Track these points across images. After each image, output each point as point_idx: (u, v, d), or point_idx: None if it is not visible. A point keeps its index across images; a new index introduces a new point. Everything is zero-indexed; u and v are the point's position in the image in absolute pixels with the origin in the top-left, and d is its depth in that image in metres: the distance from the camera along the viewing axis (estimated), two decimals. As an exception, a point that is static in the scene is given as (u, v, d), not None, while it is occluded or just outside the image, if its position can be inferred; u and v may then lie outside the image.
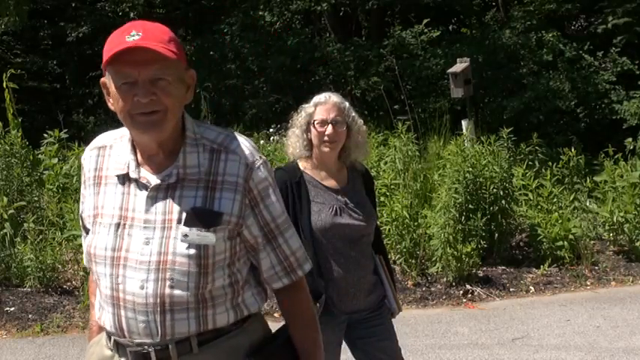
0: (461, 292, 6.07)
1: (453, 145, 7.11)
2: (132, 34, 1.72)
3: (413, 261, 6.28)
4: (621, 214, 6.73)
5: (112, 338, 1.88)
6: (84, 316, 5.58)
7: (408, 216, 6.34)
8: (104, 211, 1.85)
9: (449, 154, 6.96)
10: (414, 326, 5.40)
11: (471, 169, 6.58)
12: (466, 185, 6.49)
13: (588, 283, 6.27)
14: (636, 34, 10.92)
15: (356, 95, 12.07)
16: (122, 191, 1.84)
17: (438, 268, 6.20)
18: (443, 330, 5.37)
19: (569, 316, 5.55)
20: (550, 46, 10.98)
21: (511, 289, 6.16)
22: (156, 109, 1.74)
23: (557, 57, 11.02)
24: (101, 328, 1.94)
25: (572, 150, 7.85)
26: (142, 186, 1.82)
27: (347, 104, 3.05)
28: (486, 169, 6.64)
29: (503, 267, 6.51)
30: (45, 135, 7.78)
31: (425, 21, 12.26)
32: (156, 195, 1.81)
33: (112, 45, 1.73)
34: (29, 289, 6.11)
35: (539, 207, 6.96)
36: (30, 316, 5.76)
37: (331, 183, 3.03)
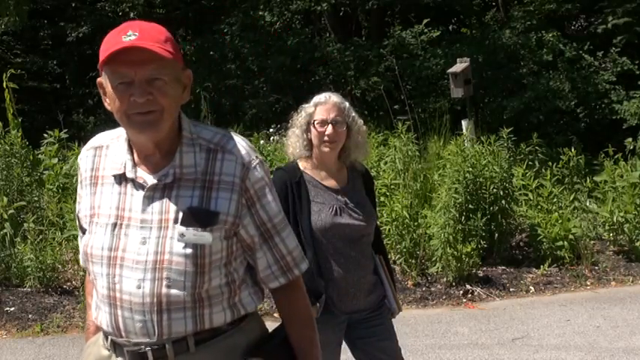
0: (461, 292, 6.07)
1: (453, 145, 7.11)
2: (128, 34, 1.73)
3: (413, 261, 6.28)
4: (621, 214, 6.73)
5: (109, 338, 1.88)
6: (84, 316, 5.58)
7: (408, 216, 6.34)
8: (101, 210, 1.86)
9: (449, 154, 6.96)
10: (414, 326, 5.40)
11: (471, 169, 6.58)
12: (466, 185, 6.49)
13: (588, 283, 6.27)
14: (636, 34, 10.92)
15: (356, 95, 12.07)
16: (119, 191, 1.84)
17: (438, 268, 6.20)
18: (443, 330, 5.37)
19: (569, 316, 5.55)
20: (550, 46, 10.98)
21: (511, 289, 6.16)
22: (152, 109, 1.74)
23: (557, 57, 11.02)
24: (98, 329, 1.95)
25: (572, 150, 7.86)
26: (138, 186, 1.82)
27: (347, 104, 3.05)
28: (486, 169, 6.64)
29: (503, 267, 6.51)
30: (45, 135, 7.78)
31: (425, 21, 12.27)
32: (152, 195, 1.81)
33: (108, 45, 1.74)
34: (29, 289, 6.11)
35: (539, 207, 6.96)
36: (30, 316, 5.76)
37: (331, 183, 3.03)
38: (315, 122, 2.99)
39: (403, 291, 6.04)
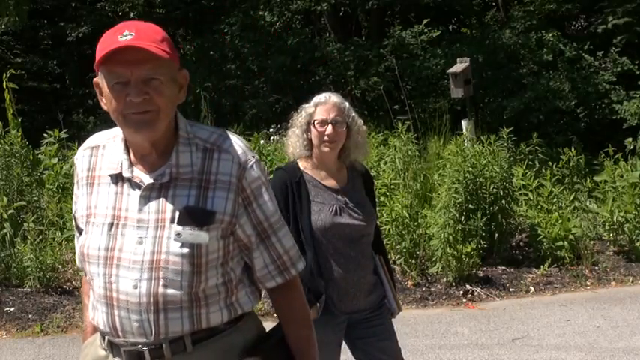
0: (461, 292, 6.07)
1: (453, 145, 7.11)
2: (124, 34, 1.73)
3: (413, 261, 6.28)
4: (621, 214, 6.73)
5: (106, 338, 1.88)
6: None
7: (408, 216, 6.34)
8: (97, 210, 1.86)
9: (449, 154, 6.96)
10: (414, 326, 5.40)
11: (471, 169, 6.58)
12: (466, 185, 6.49)
13: (588, 283, 6.27)
14: (636, 34, 10.92)
15: (356, 95, 12.07)
16: (115, 191, 1.85)
17: (438, 268, 6.20)
18: (443, 330, 5.37)
19: (569, 316, 5.55)
20: (550, 46, 10.98)
21: (511, 289, 6.16)
22: (148, 108, 1.74)
23: (557, 57, 11.02)
24: (95, 329, 1.95)
25: (572, 150, 7.86)
26: (135, 185, 1.83)
27: (347, 104, 3.05)
28: (486, 169, 6.64)
29: (503, 267, 6.51)
30: (45, 135, 7.78)
31: (425, 21, 12.27)
32: (149, 194, 1.81)
33: (104, 45, 1.74)
34: (29, 289, 6.12)
35: (539, 207, 6.96)
36: (30, 316, 5.76)
37: (331, 183, 3.03)
38: (315, 122, 2.99)
39: (403, 291, 6.04)
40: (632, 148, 8.14)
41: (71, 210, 1.99)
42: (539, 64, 11.14)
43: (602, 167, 7.76)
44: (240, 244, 1.88)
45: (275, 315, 2.06)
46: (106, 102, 1.79)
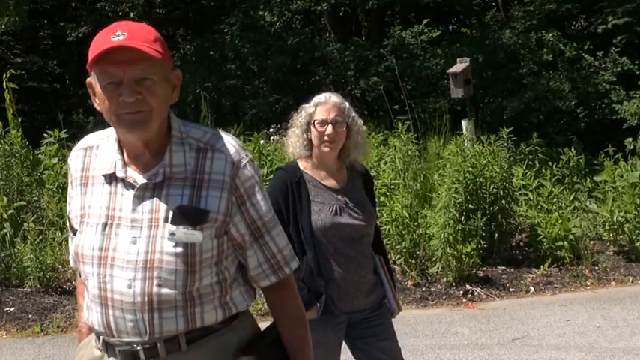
0: (461, 292, 6.07)
1: (453, 145, 7.11)
2: (117, 34, 1.73)
3: (413, 261, 6.28)
4: (621, 214, 6.73)
5: (101, 338, 1.88)
6: (84, 316, 5.58)
7: (408, 216, 6.34)
8: (91, 211, 1.86)
9: (449, 154, 6.96)
10: (414, 326, 5.40)
11: (471, 169, 6.58)
12: (466, 185, 6.49)
13: (588, 283, 6.27)
14: (636, 34, 10.92)
15: (356, 95, 12.07)
16: (109, 191, 1.85)
17: (438, 268, 6.20)
18: (443, 330, 5.37)
19: (569, 316, 5.55)
20: (550, 46, 10.98)
21: (511, 289, 6.16)
22: (141, 108, 1.75)
23: (557, 57, 11.02)
24: (91, 330, 1.95)
25: (572, 150, 7.86)
26: (128, 185, 1.83)
27: (347, 104, 3.05)
28: (486, 169, 6.64)
29: (503, 267, 6.51)
30: (45, 135, 7.78)
31: (425, 21, 12.27)
32: (143, 194, 1.82)
33: (97, 45, 1.74)
34: (29, 289, 6.12)
35: (539, 207, 6.96)
36: (30, 316, 5.76)
37: (331, 183, 3.04)
38: (315, 122, 2.99)
39: (403, 291, 6.04)
40: (632, 148, 8.14)
41: (70, 210, 1.99)
42: (539, 64, 11.14)
43: (602, 167, 7.77)
44: (234, 243, 1.88)
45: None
46: (99, 102, 1.79)
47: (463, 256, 6.13)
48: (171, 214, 1.79)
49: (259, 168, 7.25)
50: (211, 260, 1.83)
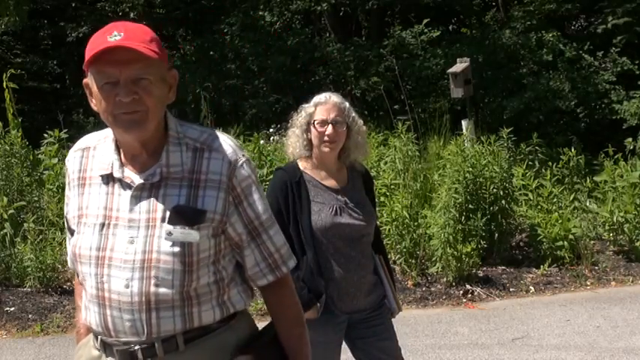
0: (461, 292, 6.07)
1: (453, 145, 7.11)
2: (113, 35, 1.73)
3: (413, 261, 6.28)
4: (621, 214, 6.73)
5: (99, 338, 1.88)
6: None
7: (408, 216, 6.34)
8: (88, 211, 1.86)
9: (449, 154, 6.96)
10: (414, 326, 5.40)
11: (471, 169, 6.58)
12: (466, 185, 6.49)
13: (588, 283, 6.27)
14: (636, 34, 10.92)
15: (356, 95, 12.07)
16: (106, 191, 1.85)
17: (438, 268, 6.20)
18: (443, 330, 5.37)
19: (569, 316, 5.55)
20: (550, 46, 10.98)
21: (511, 289, 6.16)
22: (138, 109, 1.75)
23: (557, 57, 11.02)
24: (88, 331, 1.96)
25: (572, 150, 7.85)
26: (125, 185, 1.83)
27: (347, 104, 3.06)
28: (486, 169, 6.64)
29: (503, 267, 6.51)
30: (45, 135, 7.78)
31: (425, 21, 12.26)
32: (140, 194, 1.82)
33: (93, 45, 1.75)
34: (29, 289, 6.12)
35: (539, 207, 6.96)
36: (30, 316, 5.76)
37: (331, 183, 3.04)
38: (315, 122, 2.99)
39: (403, 291, 6.04)
40: (632, 148, 8.14)
41: (69, 210, 1.99)
42: (539, 64, 11.14)
43: (602, 167, 7.76)
44: (232, 242, 1.89)
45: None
46: (96, 102, 1.80)
47: (463, 256, 6.13)
48: (168, 213, 1.79)
49: (259, 168, 7.29)
50: (209, 260, 1.83)
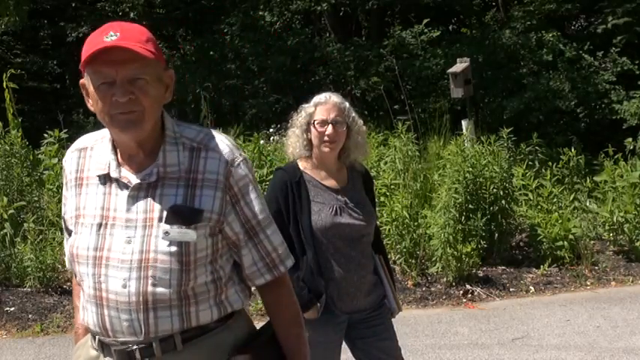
0: (461, 292, 6.07)
1: (453, 145, 7.11)
2: (109, 35, 1.74)
3: (413, 261, 6.28)
4: (621, 214, 6.73)
5: (97, 338, 1.88)
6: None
7: (408, 216, 6.34)
8: (86, 211, 1.86)
9: (449, 154, 6.96)
10: (414, 326, 5.40)
11: (471, 169, 6.58)
12: (466, 185, 6.49)
13: (588, 283, 6.27)
14: (636, 34, 10.92)
15: (356, 95, 12.08)
16: (103, 191, 1.86)
17: (438, 268, 6.20)
18: (443, 330, 5.37)
19: (569, 316, 5.55)
20: (550, 46, 10.98)
21: (511, 289, 6.16)
22: (134, 109, 1.75)
23: (557, 57, 11.02)
24: (87, 331, 1.95)
25: (572, 150, 7.85)
26: (122, 185, 1.83)
27: (347, 104, 3.06)
28: (486, 169, 6.64)
29: (503, 267, 6.51)
30: (45, 135, 7.78)
31: (425, 21, 12.27)
32: (137, 194, 1.82)
33: (90, 45, 1.75)
34: (29, 289, 6.11)
35: (539, 207, 6.96)
36: (30, 316, 5.76)
37: (331, 183, 3.04)
38: (315, 122, 2.99)
39: (403, 291, 6.04)
40: (632, 148, 8.14)
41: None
42: (539, 64, 11.14)
43: (602, 167, 7.76)
44: (229, 241, 1.89)
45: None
46: (93, 103, 1.80)
47: (463, 256, 6.13)
48: (165, 213, 1.79)
49: (259, 168, 7.28)
50: (206, 259, 1.83)
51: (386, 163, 7.26)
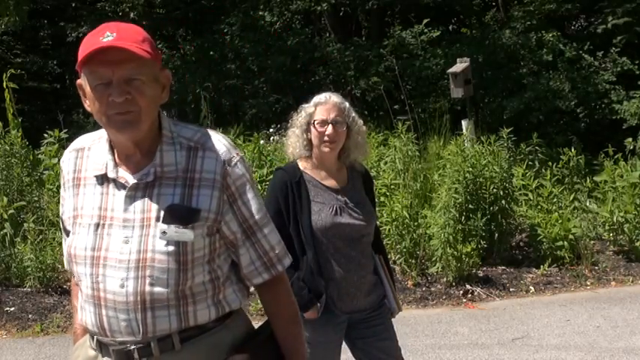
0: (461, 292, 6.07)
1: (453, 145, 7.11)
2: (106, 35, 1.74)
3: (413, 261, 6.28)
4: (621, 214, 6.73)
5: (95, 338, 1.89)
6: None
7: (408, 216, 6.34)
8: (83, 211, 1.87)
9: (449, 154, 6.96)
10: (414, 326, 5.40)
11: (471, 169, 6.58)
12: (466, 185, 6.49)
13: (588, 283, 6.27)
14: (636, 34, 10.92)
15: (356, 95, 12.07)
16: (101, 191, 1.86)
17: (438, 268, 6.20)
18: (443, 330, 5.37)
19: (569, 316, 5.55)
20: (550, 46, 10.98)
21: (511, 289, 6.16)
22: (131, 109, 1.75)
23: (557, 57, 11.02)
24: (85, 331, 1.96)
25: (572, 150, 7.86)
26: (120, 185, 1.84)
27: (347, 104, 3.06)
28: (486, 169, 6.64)
29: (503, 267, 6.51)
30: (45, 135, 7.78)
31: (425, 21, 12.26)
32: (134, 194, 1.82)
33: (86, 46, 1.75)
34: (29, 289, 6.12)
35: (539, 207, 6.96)
36: (30, 316, 5.76)
37: (331, 183, 3.04)
38: (315, 122, 2.99)
39: (403, 291, 6.04)
40: (632, 148, 8.14)
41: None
42: (539, 64, 11.14)
43: (602, 167, 7.77)
44: (227, 241, 1.89)
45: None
46: (90, 103, 1.81)
47: (463, 256, 6.13)
48: (162, 213, 1.80)
49: (259, 168, 7.28)
50: (203, 259, 1.83)
51: (386, 163, 7.26)
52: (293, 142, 3.07)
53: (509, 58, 11.38)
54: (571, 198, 7.04)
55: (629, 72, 10.63)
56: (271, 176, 3.39)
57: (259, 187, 6.64)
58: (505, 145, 7.41)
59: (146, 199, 1.81)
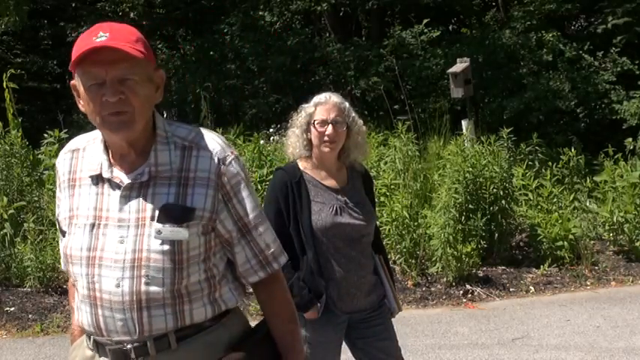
0: (461, 292, 6.07)
1: (453, 145, 7.12)
2: (99, 35, 1.74)
3: (413, 261, 6.28)
4: (621, 214, 6.73)
5: (92, 338, 1.89)
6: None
7: (408, 216, 6.34)
8: (79, 212, 1.87)
9: (449, 154, 6.96)
10: (414, 326, 5.40)
11: (471, 169, 6.58)
12: (466, 185, 6.49)
13: (588, 283, 6.27)
14: (636, 34, 10.92)
15: (356, 95, 12.07)
16: (96, 192, 1.86)
17: (438, 268, 6.20)
18: (443, 330, 5.37)
19: (569, 316, 5.55)
20: (550, 46, 10.98)
21: (511, 289, 6.16)
22: (124, 109, 1.76)
23: (557, 57, 11.02)
24: (83, 332, 1.96)
25: (572, 150, 7.86)
26: (115, 185, 1.84)
27: (347, 104, 3.06)
28: (486, 169, 6.65)
29: (503, 267, 6.51)
30: (45, 135, 7.78)
31: (425, 21, 12.26)
32: (129, 194, 1.83)
33: (79, 46, 1.75)
34: (29, 289, 6.12)
35: (539, 207, 6.96)
36: (30, 316, 5.76)
37: (331, 183, 3.04)
38: (315, 122, 2.99)
39: (403, 291, 6.04)
40: (632, 148, 8.15)
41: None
42: (539, 64, 11.14)
43: (602, 167, 7.77)
44: (222, 239, 1.89)
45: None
46: (84, 104, 1.82)
47: (463, 256, 6.13)
48: (157, 212, 1.80)
49: (259, 168, 7.28)
50: (199, 257, 1.84)
51: (386, 163, 7.27)
52: (293, 142, 3.07)
53: (509, 58, 11.38)
54: (571, 198, 7.04)
55: (629, 72, 10.63)
56: (271, 176, 3.39)
57: (259, 187, 6.64)
58: (505, 145, 7.42)
59: (141, 198, 1.82)
